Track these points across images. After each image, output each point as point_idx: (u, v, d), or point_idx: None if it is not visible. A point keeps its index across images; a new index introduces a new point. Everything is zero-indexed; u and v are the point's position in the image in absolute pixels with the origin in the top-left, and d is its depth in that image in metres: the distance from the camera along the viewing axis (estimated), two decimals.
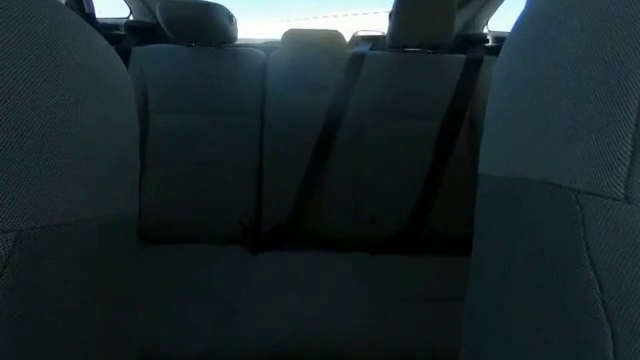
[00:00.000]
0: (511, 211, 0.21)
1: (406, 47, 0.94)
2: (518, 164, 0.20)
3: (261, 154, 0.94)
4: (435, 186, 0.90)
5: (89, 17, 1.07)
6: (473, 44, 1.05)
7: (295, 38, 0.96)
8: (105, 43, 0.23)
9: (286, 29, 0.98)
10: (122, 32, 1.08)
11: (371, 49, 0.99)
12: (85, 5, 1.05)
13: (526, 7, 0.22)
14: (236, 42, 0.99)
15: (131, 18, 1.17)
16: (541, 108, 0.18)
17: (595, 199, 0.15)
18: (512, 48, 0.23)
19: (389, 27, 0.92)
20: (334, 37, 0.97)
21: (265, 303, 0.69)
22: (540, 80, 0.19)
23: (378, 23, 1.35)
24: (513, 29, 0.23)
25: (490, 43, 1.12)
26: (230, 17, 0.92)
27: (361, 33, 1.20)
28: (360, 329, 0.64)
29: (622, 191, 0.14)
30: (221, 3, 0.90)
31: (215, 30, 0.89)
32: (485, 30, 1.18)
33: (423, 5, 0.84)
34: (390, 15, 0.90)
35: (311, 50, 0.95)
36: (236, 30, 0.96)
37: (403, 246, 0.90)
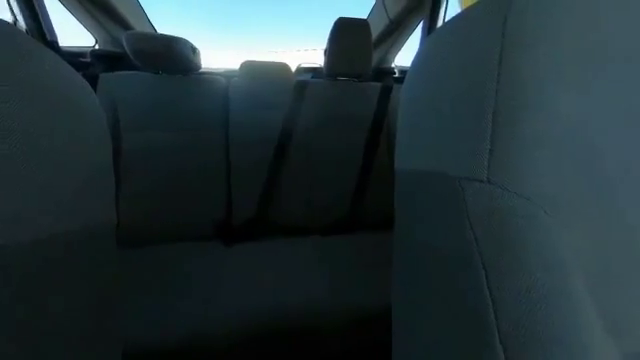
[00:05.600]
0: (416, 194, 0.22)
1: (338, 76, 0.98)
2: (420, 160, 0.21)
3: (228, 163, 0.91)
4: (366, 180, 0.96)
5: (51, 45, 0.94)
6: (385, 75, 1.12)
7: (251, 68, 0.97)
8: (69, 68, 0.21)
9: (243, 60, 0.98)
10: (88, 59, 0.97)
11: (312, 77, 1.03)
12: (47, 33, 0.92)
13: (419, 49, 0.24)
14: (200, 70, 0.95)
15: (97, 47, 1.06)
16: (433, 119, 0.20)
17: (471, 182, 0.17)
18: (411, 79, 0.24)
19: (324, 61, 0.96)
20: (282, 68, 0.99)
21: (241, 285, 0.67)
22: (430, 101, 0.21)
23: (316, 57, 1.41)
24: (412, 65, 0.24)
25: (397, 74, 1.21)
26: (193, 49, 0.89)
27: (304, 65, 1.24)
28: (320, 293, 0.66)
29: (486, 175, 0.16)
30: (190, 37, 0.87)
31: (180, 60, 0.85)
32: (393, 65, 1.29)
33: (348, 45, 0.90)
34: (325, 52, 0.95)
35: (264, 78, 0.96)
36: (199, 60, 0.93)
37: (346, 227, 0.94)
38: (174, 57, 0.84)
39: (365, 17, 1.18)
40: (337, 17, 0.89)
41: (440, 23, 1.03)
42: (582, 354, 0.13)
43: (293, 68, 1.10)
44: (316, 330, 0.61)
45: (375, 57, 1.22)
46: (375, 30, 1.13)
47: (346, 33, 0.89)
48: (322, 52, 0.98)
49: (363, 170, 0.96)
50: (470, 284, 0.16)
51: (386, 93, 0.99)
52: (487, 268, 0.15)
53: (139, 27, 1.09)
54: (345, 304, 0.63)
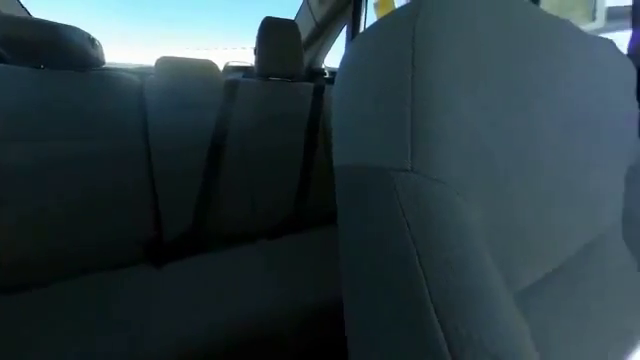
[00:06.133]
0: (354, 188, 0.23)
1: (270, 76, 0.96)
2: (354, 156, 0.23)
3: (151, 173, 0.79)
4: (307, 179, 0.96)
5: None
6: (317, 76, 1.15)
7: (169, 64, 0.85)
8: None
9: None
10: None
11: (243, 77, 0.97)
12: None
13: (345, 53, 0.25)
14: (103, 66, 0.80)
15: None
16: (361, 118, 0.22)
17: (398, 173, 0.19)
18: (340, 80, 0.25)
19: (255, 60, 0.93)
20: (207, 65, 0.90)
21: (178, 309, 0.60)
22: (358, 100, 0.22)
23: (245, 56, 1.35)
24: (339, 67, 0.26)
25: (327, 75, 1.25)
26: (92, 40, 0.74)
27: (232, 64, 1.17)
28: (273, 298, 0.63)
29: (410, 165, 0.18)
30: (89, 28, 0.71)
31: (72, 53, 0.69)
32: (323, 66, 1.33)
33: (278, 45, 0.88)
34: (255, 51, 0.91)
35: (187, 75, 0.86)
36: (101, 54, 0.77)
37: (292, 227, 0.93)
38: (63, 48, 0.68)
39: (292, 18, 1.18)
40: (265, 16, 0.87)
41: (362, 28, 1.11)
42: (490, 306, 0.17)
43: (220, 67, 1.03)
44: (275, 336, 0.59)
45: (306, 58, 1.24)
46: (303, 32, 1.14)
47: (275, 33, 0.87)
48: (252, 51, 0.95)
49: (303, 169, 0.95)
50: (407, 266, 0.18)
51: (319, 93, 1.00)
52: (418, 249, 0.17)
53: (4, 9, 0.84)
54: (300, 305, 0.63)
